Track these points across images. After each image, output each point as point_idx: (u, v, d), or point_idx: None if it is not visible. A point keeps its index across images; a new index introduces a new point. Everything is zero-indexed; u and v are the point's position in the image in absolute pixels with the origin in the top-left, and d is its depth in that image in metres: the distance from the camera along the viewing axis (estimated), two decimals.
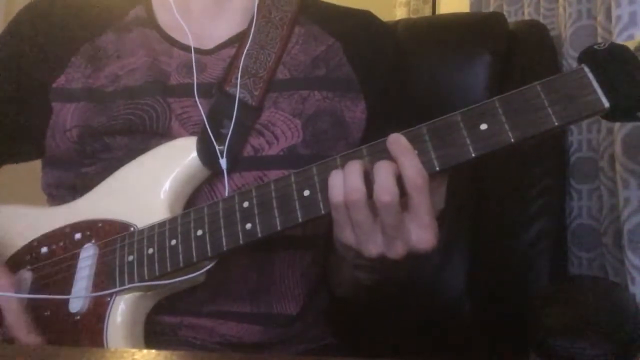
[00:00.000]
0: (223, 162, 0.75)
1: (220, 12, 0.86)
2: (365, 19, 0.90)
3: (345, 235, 0.62)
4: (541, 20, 1.23)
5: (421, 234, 0.59)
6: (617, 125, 0.88)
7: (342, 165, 0.62)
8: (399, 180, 0.59)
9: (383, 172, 0.59)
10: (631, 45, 0.57)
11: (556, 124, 0.57)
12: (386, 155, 0.60)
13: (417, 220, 0.59)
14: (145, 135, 0.78)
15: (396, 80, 0.87)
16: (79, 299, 0.72)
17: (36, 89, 0.84)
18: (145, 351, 0.51)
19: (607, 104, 0.56)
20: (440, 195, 0.63)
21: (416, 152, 0.60)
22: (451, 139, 0.60)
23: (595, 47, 0.58)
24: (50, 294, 0.73)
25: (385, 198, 0.58)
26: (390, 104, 0.84)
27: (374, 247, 0.61)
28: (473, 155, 0.59)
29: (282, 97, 0.81)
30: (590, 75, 0.57)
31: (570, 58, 1.09)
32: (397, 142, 0.60)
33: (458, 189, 0.64)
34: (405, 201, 0.59)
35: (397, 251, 0.60)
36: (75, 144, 0.80)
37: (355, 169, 0.60)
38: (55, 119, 0.82)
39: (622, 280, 0.91)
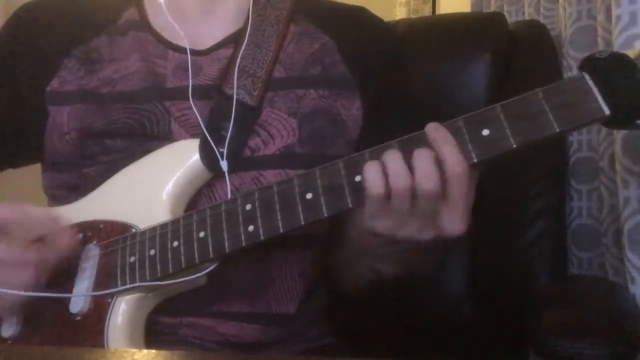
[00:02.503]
0: (224, 165, 0.75)
1: (214, 11, 0.85)
2: (360, 15, 0.89)
3: (381, 223, 0.63)
4: (541, 20, 1.23)
5: (454, 221, 0.61)
6: None
7: (345, 169, 0.63)
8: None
9: (424, 160, 0.59)
10: (632, 53, 0.58)
11: (557, 130, 0.58)
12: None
13: (453, 209, 0.60)
14: (145, 138, 0.78)
15: (394, 78, 0.86)
16: (79, 299, 0.72)
17: (31, 93, 0.83)
18: (145, 351, 0.51)
19: (607, 112, 0.57)
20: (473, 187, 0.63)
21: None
22: None
23: (597, 55, 0.59)
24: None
25: (429, 185, 0.59)
26: (388, 102, 0.84)
27: (407, 231, 0.62)
28: (475, 160, 0.60)
29: (278, 97, 0.80)
30: (591, 83, 0.58)
31: (570, 58, 1.09)
32: (439, 131, 0.61)
33: None
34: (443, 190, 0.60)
35: (428, 234, 0.62)
36: (74, 147, 0.80)
37: (396, 157, 0.61)
38: (52, 122, 0.81)
39: (622, 280, 0.91)
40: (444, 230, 0.61)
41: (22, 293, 0.72)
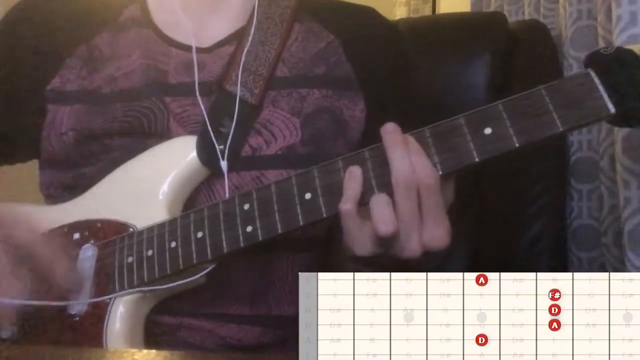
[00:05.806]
0: (224, 165, 0.75)
1: (218, 9, 0.85)
2: (366, 15, 0.88)
3: (360, 245, 0.62)
4: (541, 20, 1.23)
5: (434, 232, 0.59)
6: None
7: (344, 168, 0.62)
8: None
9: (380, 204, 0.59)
10: (637, 49, 0.57)
11: (561, 129, 0.56)
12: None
13: (429, 219, 0.59)
14: (143, 136, 0.78)
15: (397, 79, 0.86)
16: (78, 299, 0.71)
17: (30, 90, 0.83)
18: (145, 351, 0.51)
19: (613, 110, 0.56)
20: (450, 190, 0.62)
21: None
22: (454, 143, 0.59)
23: (602, 51, 0.58)
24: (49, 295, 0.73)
25: (385, 229, 0.58)
26: (390, 103, 0.84)
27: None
28: (477, 160, 0.58)
29: (280, 96, 0.80)
30: (597, 80, 0.56)
31: (570, 58, 1.09)
32: (407, 142, 0.60)
33: (459, 189, 0.63)
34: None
35: (412, 252, 0.60)
36: (72, 146, 0.79)
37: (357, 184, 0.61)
38: (50, 121, 0.81)
39: None
40: (427, 244, 0.59)
41: (22, 302, 0.71)
